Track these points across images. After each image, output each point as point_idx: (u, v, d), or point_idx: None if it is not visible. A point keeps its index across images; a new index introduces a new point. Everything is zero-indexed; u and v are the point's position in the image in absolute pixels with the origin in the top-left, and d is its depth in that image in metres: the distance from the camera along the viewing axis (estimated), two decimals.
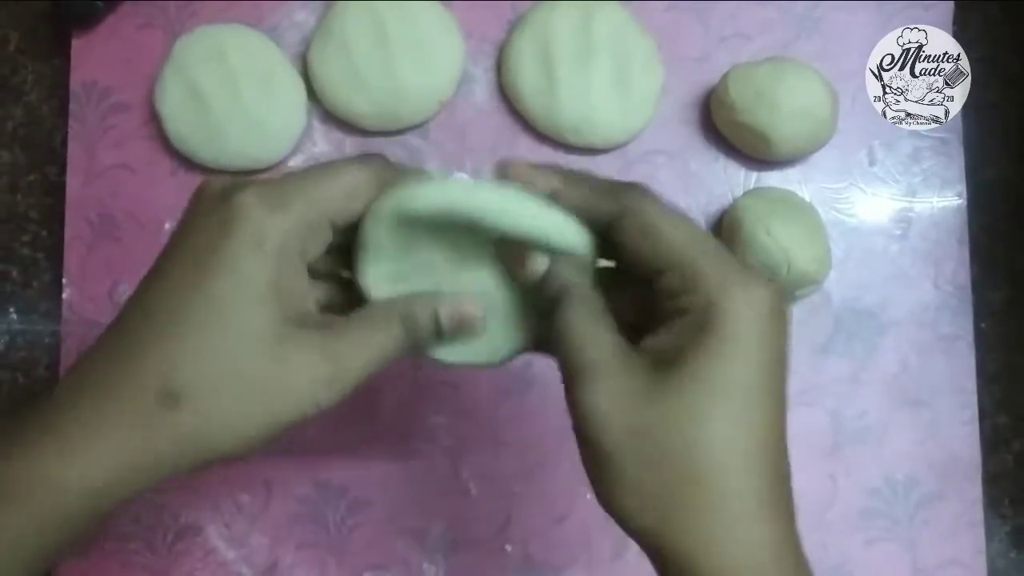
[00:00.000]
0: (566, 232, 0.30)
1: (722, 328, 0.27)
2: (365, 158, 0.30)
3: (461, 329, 0.31)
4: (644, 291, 0.29)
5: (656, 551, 0.28)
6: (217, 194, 0.29)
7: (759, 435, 0.27)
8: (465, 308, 0.31)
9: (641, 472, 0.27)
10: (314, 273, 0.30)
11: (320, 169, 0.29)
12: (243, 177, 0.30)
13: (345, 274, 0.32)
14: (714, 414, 0.26)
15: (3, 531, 0.27)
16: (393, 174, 0.30)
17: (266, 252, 0.27)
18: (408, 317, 0.30)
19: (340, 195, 0.29)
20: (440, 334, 0.31)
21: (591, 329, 0.29)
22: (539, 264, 0.31)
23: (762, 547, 0.27)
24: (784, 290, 0.47)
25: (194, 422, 0.27)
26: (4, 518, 0.27)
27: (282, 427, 0.28)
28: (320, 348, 0.28)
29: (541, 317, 0.31)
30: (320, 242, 0.29)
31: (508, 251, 0.32)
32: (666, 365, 0.27)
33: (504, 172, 0.30)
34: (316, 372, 0.28)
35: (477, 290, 0.32)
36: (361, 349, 0.29)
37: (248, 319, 0.27)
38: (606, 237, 0.30)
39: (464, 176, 0.33)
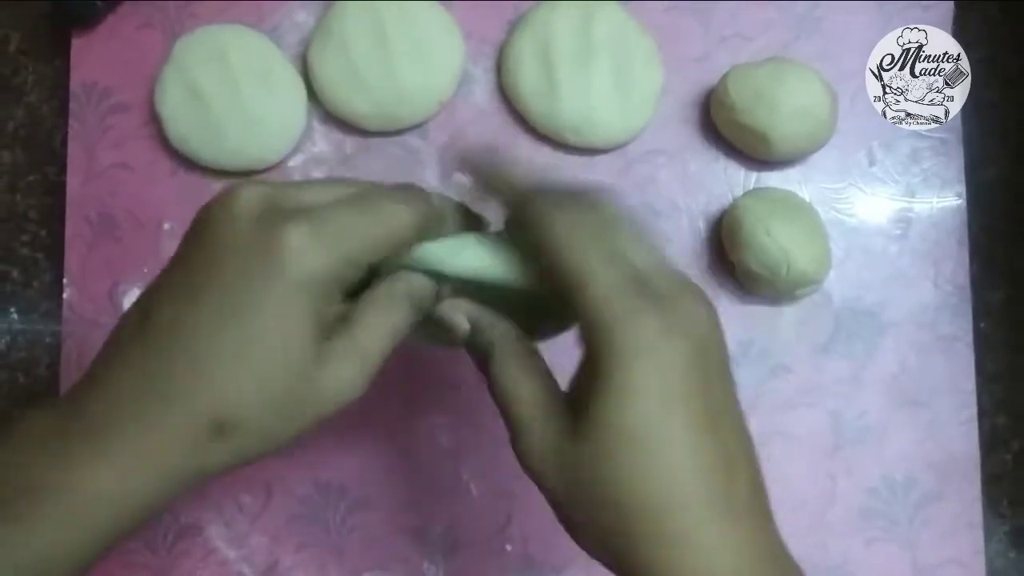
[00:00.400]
0: (513, 268, 0.30)
1: (610, 371, 0.26)
2: (406, 195, 0.30)
3: (443, 326, 0.32)
4: None
5: None
6: (254, 218, 0.28)
7: (681, 464, 0.26)
8: (455, 316, 0.31)
9: (587, 514, 0.28)
10: None
11: (367, 208, 0.29)
12: (275, 188, 0.29)
13: None
14: (626, 453, 0.26)
15: (26, 550, 0.28)
16: (431, 212, 0.31)
17: (311, 292, 0.27)
18: (414, 293, 0.31)
19: (384, 237, 0.29)
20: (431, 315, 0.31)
21: (515, 385, 0.29)
22: (463, 327, 0.31)
23: (726, 551, 0.26)
24: (784, 290, 0.47)
25: (240, 445, 0.28)
26: (27, 537, 0.28)
27: (314, 429, 0.29)
28: (348, 355, 0.29)
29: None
30: (356, 276, 0.30)
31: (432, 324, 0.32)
32: (578, 408, 0.28)
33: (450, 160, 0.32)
34: (346, 374, 0.29)
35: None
36: (380, 339, 0.30)
37: (292, 352, 0.28)
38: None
39: (462, 180, 0.33)
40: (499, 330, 0.31)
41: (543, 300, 0.30)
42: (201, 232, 0.28)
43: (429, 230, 0.31)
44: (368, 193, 0.30)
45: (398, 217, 0.29)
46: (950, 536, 0.48)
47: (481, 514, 0.49)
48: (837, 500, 0.48)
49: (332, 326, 0.29)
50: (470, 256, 0.30)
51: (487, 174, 0.31)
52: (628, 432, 0.26)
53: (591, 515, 0.27)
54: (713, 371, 0.28)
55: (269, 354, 0.27)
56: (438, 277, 0.31)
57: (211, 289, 0.27)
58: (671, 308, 0.27)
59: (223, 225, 0.28)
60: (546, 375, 0.30)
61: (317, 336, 0.28)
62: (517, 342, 0.31)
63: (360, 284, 0.31)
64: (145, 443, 0.28)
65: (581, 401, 0.27)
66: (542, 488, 0.29)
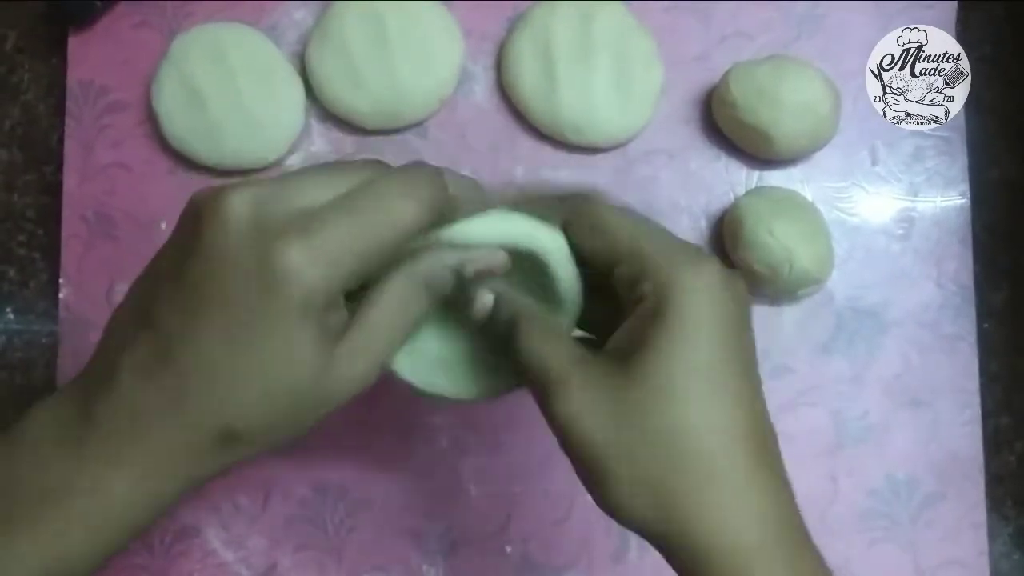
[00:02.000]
0: (557, 240, 0.31)
1: (674, 307, 0.27)
2: (414, 182, 0.29)
3: (484, 276, 0.31)
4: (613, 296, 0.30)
5: (660, 542, 0.28)
6: (249, 230, 0.26)
7: (733, 409, 0.27)
8: (493, 259, 0.31)
9: (626, 468, 0.27)
10: None
11: (367, 208, 0.28)
12: (265, 190, 0.27)
13: None
14: (681, 397, 0.27)
15: (46, 554, 0.28)
16: (442, 198, 0.29)
17: (315, 309, 0.27)
18: (433, 279, 0.30)
19: (389, 239, 0.28)
20: (461, 287, 0.31)
21: (547, 344, 0.29)
22: (486, 299, 0.32)
23: (760, 521, 0.27)
24: (786, 290, 0.47)
25: (246, 451, 0.29)
26: (48, 542, 0.28)
27: (320, 422, 0.29)
28: (357, 351, 0.29)
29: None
30: (362, 279, 0.29)
31: (456, 299, 0.32)
32: (629, 357, 0.28)
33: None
34: (355, 373, 0.29)
35: (454, 335, 0.33)
36: (391, 328, 0.30)
37: (298, 367, 0.28)
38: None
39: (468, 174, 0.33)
40: (522, 303, 0.31)
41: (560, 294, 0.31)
42: (193, 240, 0.27)
43: (444, 215, 0.30)
44: (368, 187, 0.28)
45: (402, 214, 0.28)
46: (953, 537, 0.48)
47: (480, 515, 0.48)
48: (839, 501, 0.48)
49: (339, 328, 0.29)
50: (518, 225, 0.31)
51: (538, 193, 0.32)
52: (685, 367, 0.27)
53: (635, 468, 0.27)
54: (752, 333, 0.29)
55: (276, 371, 0.27)
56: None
57: (216, 305, 0.27)
58: (718, 266, 0.29)
59: (215, 236, 0.27)
60: (571, 339, 0.30)
61: (323, 347, 0.28)
62: (541, 312, 0.31)
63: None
64: (157, 452, 0.28)
65: (631, 348, 0.28)
66: (577, 445, 0.28)
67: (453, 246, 0.30)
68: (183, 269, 0.27)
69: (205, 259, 0.27)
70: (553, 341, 0.30)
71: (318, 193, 0.28)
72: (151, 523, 0.30)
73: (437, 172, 0.29)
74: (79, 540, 0.28)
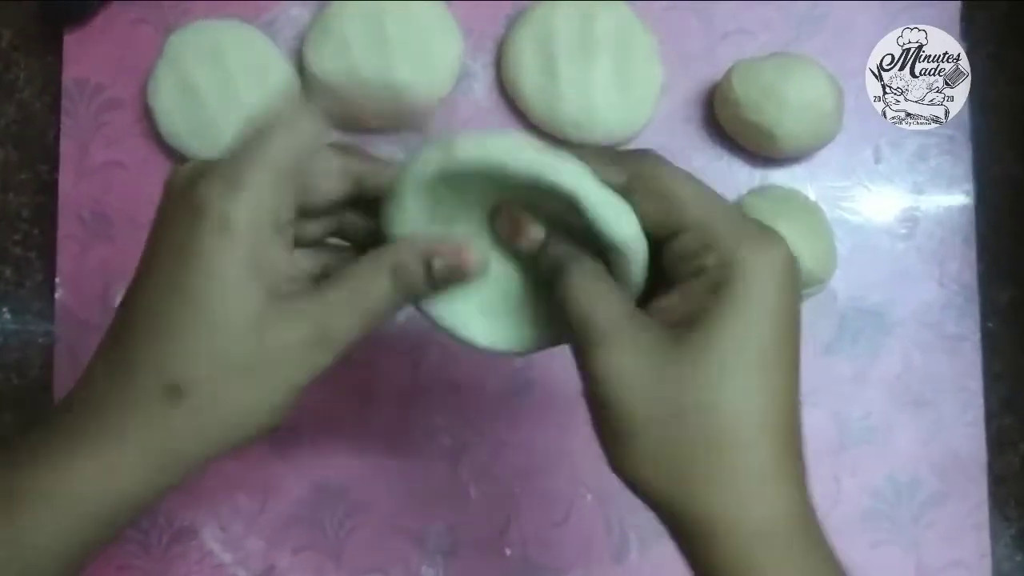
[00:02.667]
0: (602, 189, 0.28)
1: (740, 285, 0.27)
2: (302, 106, 0.30)
3: (455, 278, 0.30)
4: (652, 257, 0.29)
5: (673, 518, 0.27)
6: (185, 184, 0.28)
7: (775, 397, 0.27)
8: (464, 255, 0.30)
9: (658, 438, 0.27)
10: (303, 241, 0.30)
11: (264, 130, 0.28)
12: (210, 160, 0.29)
13: (332, 241, 0.32)
14: (733, 375, 0.26)
15: (30, 538, 0.28)
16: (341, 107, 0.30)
17: (233, 236, 0.27)
18: (398, 268, 0.29)
19: (296, 147, 0.28)
20: (435, 285, 0.30)
21: (598, 293, 0.28)
22: (537, 232, 0.30)
23: (779, 512, 0.27)
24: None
25: (202, 413, 0.28)
26: (31, 525, 0.27)
27: (286, 399, 0.28)
28: (306, 315, 0.28)
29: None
30: (290, 202, 0.29)
31: (505, 226, 0.31)
32: (683, 327, 0.27)
33: None
34: (304, 339, 0.28)
35: (507, 275, 0.32)
36: (348, 307, 0.29)
37: (228, 307, 0.27)
38: None
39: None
40: (570, 248, 0.30)
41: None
42: (154, 216, 0.29)
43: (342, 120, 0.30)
44: (274, 115, 0.29)
45: (297, 118, 0.29)
46: (956, 538, 0.47)
47: (480, 517, 0.48)
48: (841, 501, 0.48)
49: (292, 284, 0.29)
50: (532, 153, 0.28)
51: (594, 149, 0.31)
52: (743, 344, 0.26)
53: (666, 440, 0.26)
54: (800, 317, 0.28)
55: (207, 309, 0.27)
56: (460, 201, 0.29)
57: (153, 260, 0.28)
58: (787, 249, 0.28)
59: (162, 201, 0.29)
60: (625, 293, 0.29)
61: (255, 283, 0.27)
62: (591, 260, 0.29)
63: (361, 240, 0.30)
64: (112, 421, 0.28)
65: (688, 320, 0.27)
66: (611, 403, 0.27)
67: (428, 233, 0.29)
68: (147, 243, 0.29)
69: (155, 224, 0.29)
70: (604, 291, 0.28)
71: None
72: (122, 513, 0.28)
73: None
74: (46, 521, 0.27)
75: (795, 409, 0.28)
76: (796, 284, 0.28)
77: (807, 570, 0.27)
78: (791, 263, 0.27)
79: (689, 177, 0.29)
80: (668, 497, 0.27)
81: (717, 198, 0.28)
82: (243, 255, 0.27)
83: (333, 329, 0.28)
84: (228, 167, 0.28)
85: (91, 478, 0.28)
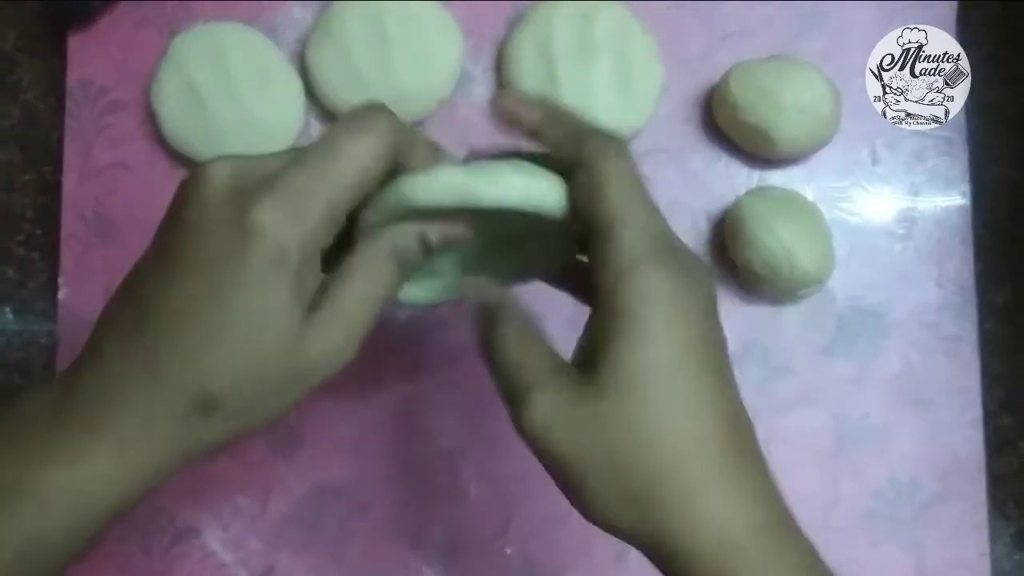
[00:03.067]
0: (548, 199, 0.29)
1: (628, 315, 0.26)
2: (371, 119, 0.29)
3: (452, 241, 0.31)
4: None
5: (649, 552, 0.28)
6: (226, 197, 0.27)
7: (701, 410, 0.27)
8: (454, 229, 0.31)
9: (607, 481, 0.27)
10: None
11: (326, 153, 0.28)
12: (245, 161, 0.29)
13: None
14: (646, 405, 0.26)
15: (40, 532, 0.28)
16: (399, 129, 0.29)
17: (288, 267, 0.27)
18: (399, 250, 0.30)
19: (355, 184, 0.28)
20: (430, 250, 0.31)
21: (519, 351, 0.29)
22: (475, 285, 0.31)
23: (738, 523, 0.26)
24: (786, 290, 0.46)
25: (230, 421, 0.28)
26: (41, 519, 0.28)
27: (304, 397, 0.29)
28: (335, 321, 0.29)
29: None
30: (334, 231, 0.29)
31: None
32: (591, 366, 0.27)
33: (493, 106, 0.31)
34: (338, 346, 0.29)
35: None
36: (366, 300, 0.29)
37: (271, 331, 0.28)
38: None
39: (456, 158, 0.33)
40: (503, 296, 0.30)
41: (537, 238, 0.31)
42: (177, 212, 0.28)
43: (403, 152, 0.29)
44: (326, 136, 0.29)
45: (356, 150, 0.28)
46: (955, 538, 0.47)
47: (480, 517, 0.48)
48: (840, 502, 0.48)
49: (314, 296, 0.29)
50: (484, 183, 0.29)
51: (543, 110, 0.30)
52: (646, 372, 0.26)
53: (609, 480, 0.27)
54: (718, 329, 0.28)
55: (250, 330, 0.27)
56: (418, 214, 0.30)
57: (192, 269, 0.27)
58: (687, 263, 0.28)
59: (196, 205, 0.28)
60: (549, 344, 0.29)
61: (298, 309, 0.28)
62: (520, 310, 0.30)
63: (345, 239, 0.30)
64: (134, 419, 0.28)
65: (594, 356, 0.27)
66: (550, 457, 0.27)
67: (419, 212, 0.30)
68: (165, 241, 0.28)
69: (185, 226, 0.28)
70: (531, 344, 0.29)
71: (287, 158, 0.29)
72: (131, 505, 0.29)
73: (387, 108, 0.29)
74: (58, 515, 0.28)
75: (730, 413, 0.28)
76: (694, 294, 0.27)
77: (784, 574, 0.27)
78: (679, 275, 0.27)
79: (631, 180, 0.28)
80: (636, 534, 0.27)
81: (641, 208, 0.28)
82: (291, 283, 0.27)
83: (356, 324, 0.29)
84: (290, 195, 0.27)
85: (110, 477, 0.28)
